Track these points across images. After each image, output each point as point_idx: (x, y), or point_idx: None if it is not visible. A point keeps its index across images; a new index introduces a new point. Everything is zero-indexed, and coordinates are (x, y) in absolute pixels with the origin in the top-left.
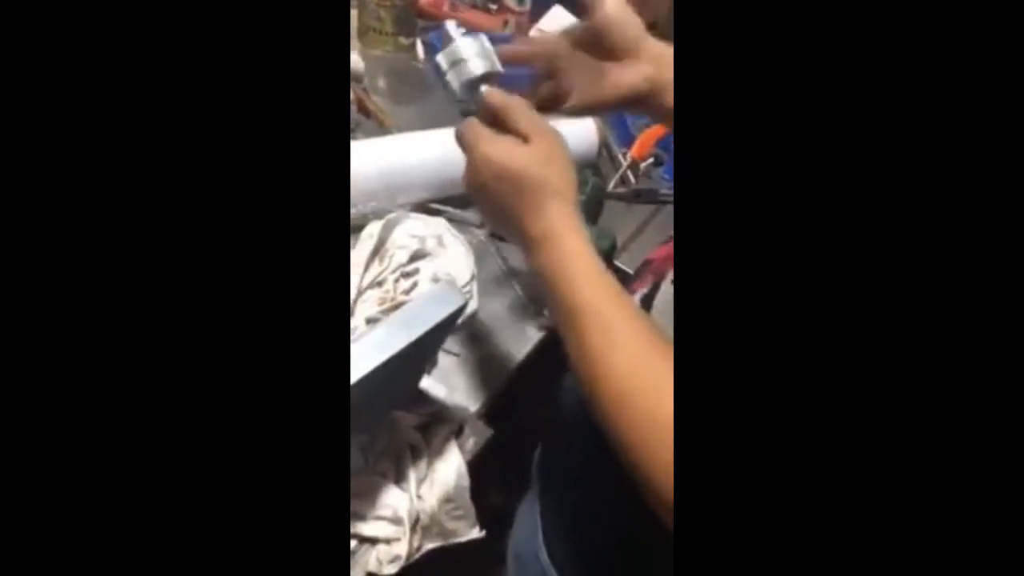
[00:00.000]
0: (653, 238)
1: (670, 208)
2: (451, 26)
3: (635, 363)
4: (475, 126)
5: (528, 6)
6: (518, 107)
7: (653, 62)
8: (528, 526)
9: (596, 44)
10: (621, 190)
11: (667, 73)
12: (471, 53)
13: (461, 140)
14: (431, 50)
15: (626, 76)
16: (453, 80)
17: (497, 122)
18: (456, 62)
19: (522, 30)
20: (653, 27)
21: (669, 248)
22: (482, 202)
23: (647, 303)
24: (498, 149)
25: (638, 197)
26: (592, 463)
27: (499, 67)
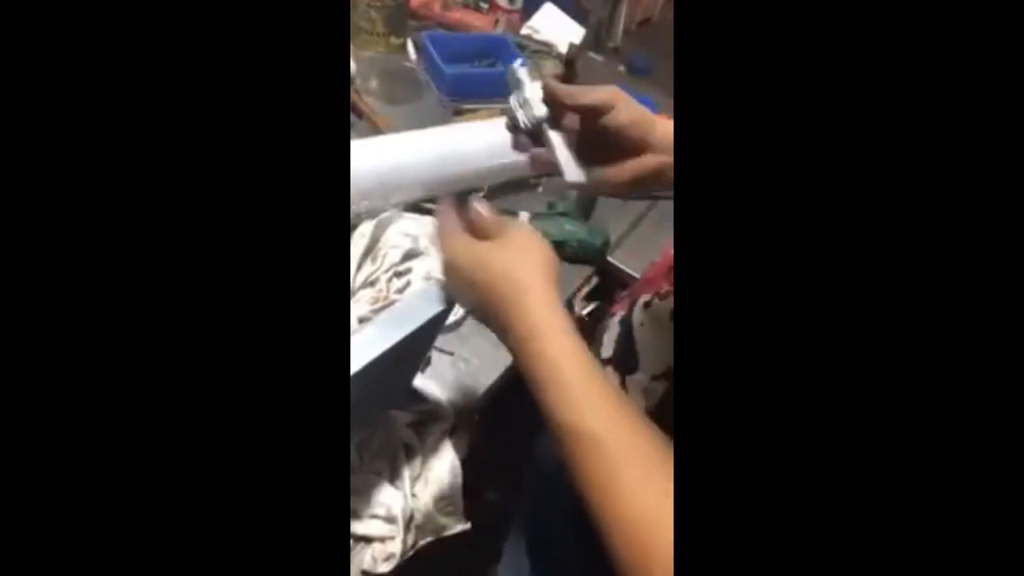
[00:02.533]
0: (647, 234)
1: (663, 204)
2: (519, 69)
3: (644, 505)
4: (446, 232)
5: (520, 5)
6: (484, 209)
7: (661, 150)
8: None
9: (606, 143)
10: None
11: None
12: (536, 98)
13: (437, 243)
14: (423, 50)
15: (636, 168)
16: (522, 118)
17: (470, 226)
18: (524, 103)
19: (513, 29)
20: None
21: (649, 272)
22: (464, 305)
23: (625, 323)
24: (466, 253)
25: (632, 194)
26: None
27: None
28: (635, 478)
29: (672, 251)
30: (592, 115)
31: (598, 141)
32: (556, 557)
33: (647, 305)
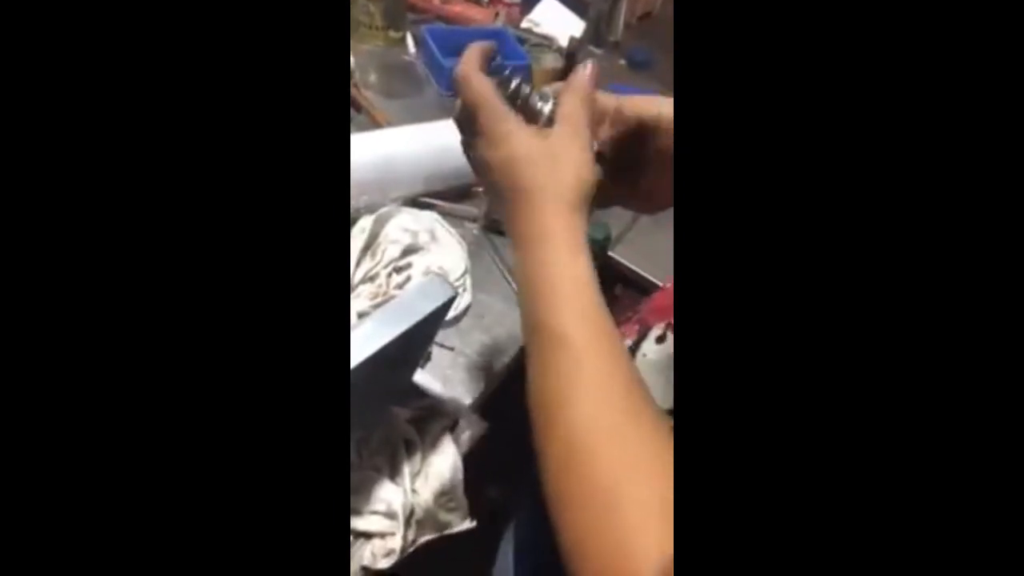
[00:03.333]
0: (649, 230)
1: None
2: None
3: (595, 418)
4: (487, 88)
5: None
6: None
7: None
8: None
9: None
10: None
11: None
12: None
13: (471, 100)
14: (422, 44)
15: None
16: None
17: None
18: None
19: (513, 22)
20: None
21: (659, 301)
22: (485, 178)
23: (632, 350)
24: (511, 133)
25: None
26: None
27: None
28: (599, 385)
29: None
30: (638, 130)
31: (631, 152)
32: (546, 561)
33: (660, 340)
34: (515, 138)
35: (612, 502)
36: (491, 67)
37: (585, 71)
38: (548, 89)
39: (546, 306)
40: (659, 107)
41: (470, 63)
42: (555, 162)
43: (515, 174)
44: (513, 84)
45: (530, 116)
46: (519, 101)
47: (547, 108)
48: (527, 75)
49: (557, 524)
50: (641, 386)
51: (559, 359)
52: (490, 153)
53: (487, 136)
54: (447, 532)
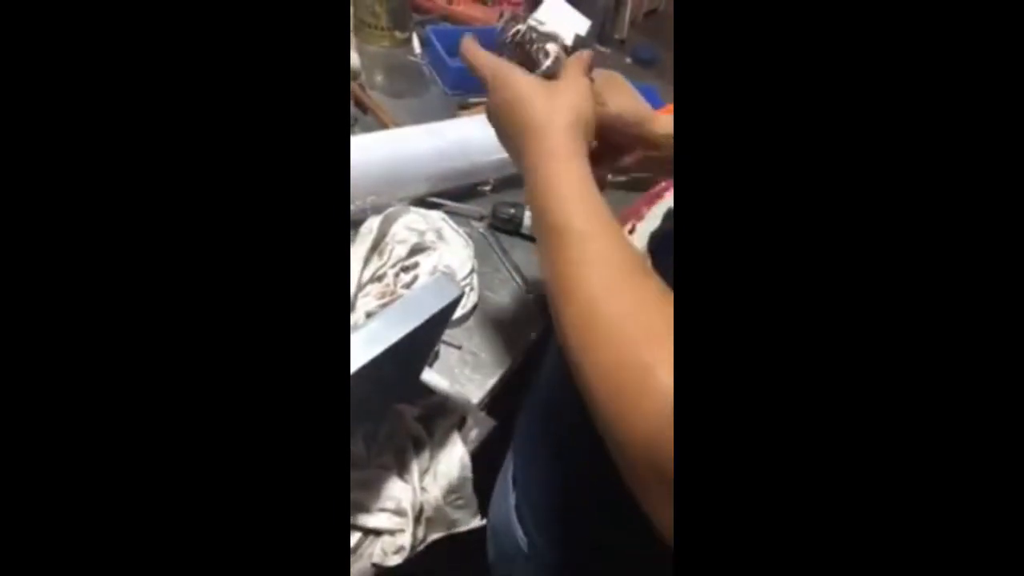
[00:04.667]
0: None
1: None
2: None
3: (609, 284)
4: (485, 54)
5: None
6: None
7: (654, 146)
8: (502, 505)
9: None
10: (619, 179)
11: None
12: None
13: (470, 66)
14: (428, 44)
15: (632, 164)
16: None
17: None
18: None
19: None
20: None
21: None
22: (495, 125)
23: None
24: (514, 77)
25: (635, 186)
26: (571, 428)
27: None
28: (607, 259)
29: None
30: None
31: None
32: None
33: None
34: (514, 80)
35: (627, 338)
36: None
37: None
38: (550, 47)
39: (553, 209)
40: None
41: (469, 41)
42: (553, 99)
43: (517, 111)
44: (518, 28)
45: (530, 63)
46: (523, 44)
47: (547, 63)
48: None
49: (579, 372)
50: (641, 258)
51: (567, 245)
52: (495, 98)
53: (491, 85)
54: (457, 530)
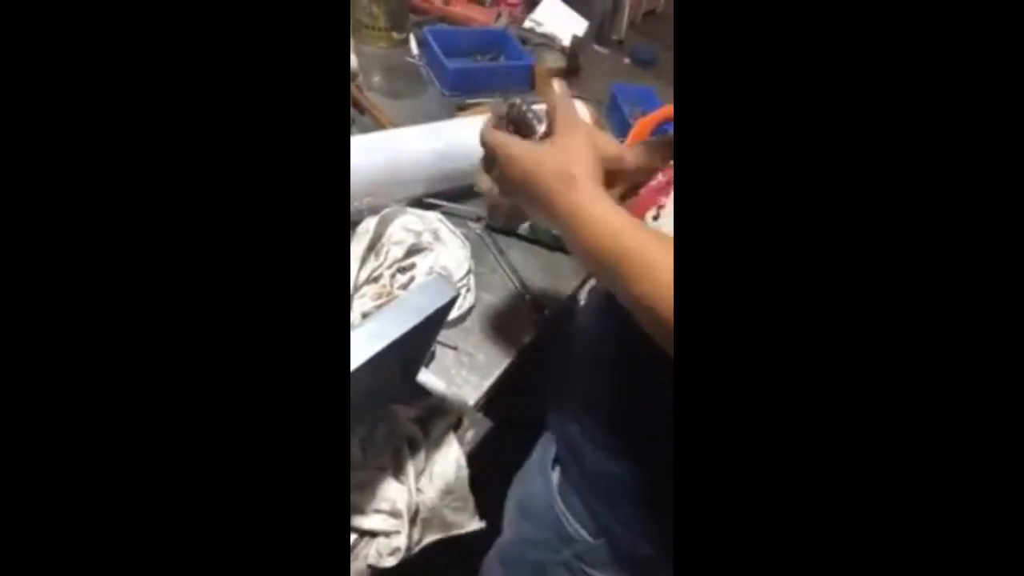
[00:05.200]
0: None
1: None
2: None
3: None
4: (498, 133)
5: None
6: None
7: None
8: (539, 481)
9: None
10: None
11: None
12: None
13: (486, 145)
14: (425, 45)
15: None
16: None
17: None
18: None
19: (515, 22)
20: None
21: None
22: (519, 200)
23: None
24: (521, 150)
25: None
26: (607, 352)
27: None
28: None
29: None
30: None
31: None
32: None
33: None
34: (520, 153)
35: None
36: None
37: (560, 86)
38: (540, 108)
39: (605, 246)
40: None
41: (488, 123)
42: (561, 157)
43: (533, 182)
44: (513, 102)
45: (527, 130)
46: (519, 116)
47: (541, 128)
48: (528, 78)
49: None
50: None
51: (634, 270)
52: (509, 174)
53: (502, 163)
54: (455, 533)
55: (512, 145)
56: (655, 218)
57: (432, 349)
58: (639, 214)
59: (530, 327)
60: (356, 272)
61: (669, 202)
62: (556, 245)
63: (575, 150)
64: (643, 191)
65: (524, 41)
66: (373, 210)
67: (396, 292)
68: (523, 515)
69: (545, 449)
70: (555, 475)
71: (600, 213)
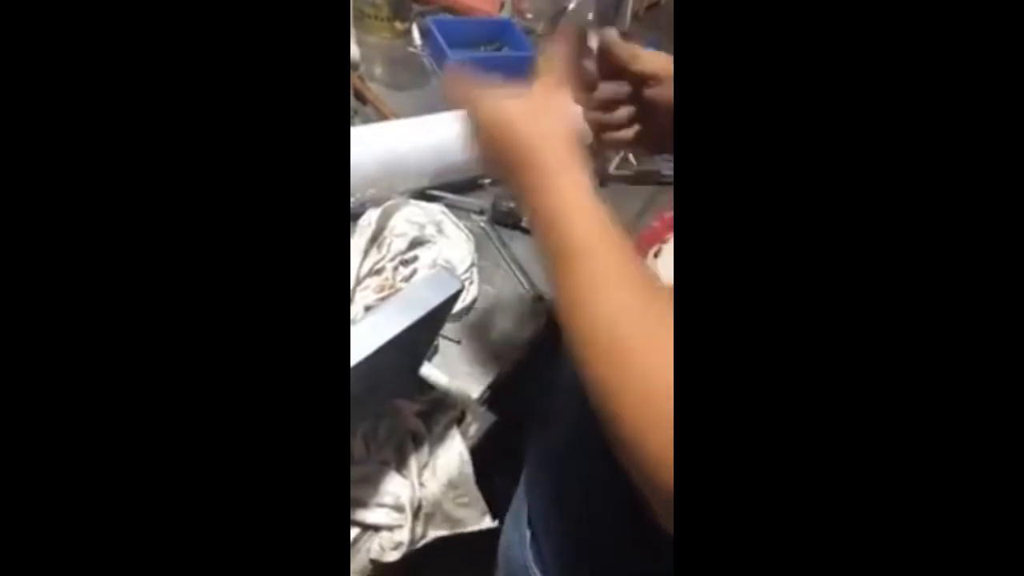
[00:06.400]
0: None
1: (671, 189)
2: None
3: (626, 308)
4: (470, 88)
5: None
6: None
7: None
8: (516, 535)
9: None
10: (623, 172)
11: None
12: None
13: (459, 100)
14: (428, 36)
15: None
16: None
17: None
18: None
19: (519, 13)
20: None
21: (653, 228)
22: (486, 161)
23: None
24: (489, 106)
25: (640, 179)
26: (584, 443)
27: None
28: (621, 282)
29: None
30: (641, 82)
31: (638, 100)
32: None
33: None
34: (489, 112)
35: (651, 366)
36: None
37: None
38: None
39: (559, 232)
40: (664, 61)
41: (451, 70)
42: (536, 118)
43: (500, 143)
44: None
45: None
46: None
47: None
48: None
49: (591, 382)
50: (653, 276)
51: (576, 267)
52: (480, 138)
53: (474, 123)
54: (464, 530)
55: (478, 100)
56: (656, 255)
57: (435, 343)
58: (640, 254)
59: (534, 321)
60: (359, 265)
61: (669, 243)
62: None
63: (552, 111)
64: (644, 231)
65: (528, 32)
66: (375, 202)
67: (399, 285)
68: (505, 565)
69: (521, 500)
70: (528, 534)
71: (560, 186)
